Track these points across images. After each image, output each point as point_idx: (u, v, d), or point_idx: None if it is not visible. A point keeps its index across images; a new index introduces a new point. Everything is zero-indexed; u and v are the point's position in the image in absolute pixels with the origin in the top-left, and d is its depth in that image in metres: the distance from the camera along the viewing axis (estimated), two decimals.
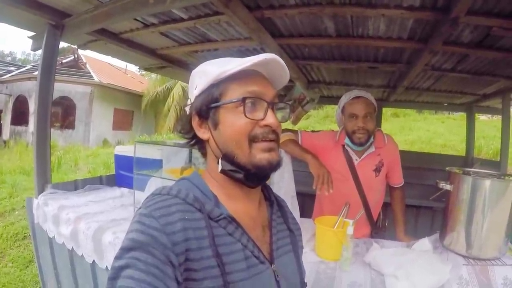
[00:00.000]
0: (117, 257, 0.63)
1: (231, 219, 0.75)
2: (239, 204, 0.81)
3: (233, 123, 0.76)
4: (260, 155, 0.76)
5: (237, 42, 2.79)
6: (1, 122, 15.65)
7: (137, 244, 0.63)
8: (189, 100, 0.84)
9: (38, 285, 2.96)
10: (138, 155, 2.28)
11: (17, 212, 5.24)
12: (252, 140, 0.76)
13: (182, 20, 2.44)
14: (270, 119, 0.76)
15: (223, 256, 0.70)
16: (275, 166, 0.78)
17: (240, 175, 0.77)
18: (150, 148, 2.35)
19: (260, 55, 0.74)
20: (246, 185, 0.80)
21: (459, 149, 9.42)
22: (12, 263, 3.95)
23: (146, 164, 2.22)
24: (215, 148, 0.80)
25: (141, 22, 2.60)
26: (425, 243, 1.77)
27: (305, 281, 0.95)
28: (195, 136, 0.84)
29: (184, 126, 0.86)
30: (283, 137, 2.10)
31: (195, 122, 0.82)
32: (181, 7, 2.19)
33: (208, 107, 0.78)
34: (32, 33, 2.77)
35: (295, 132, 2.20)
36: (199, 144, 0.86)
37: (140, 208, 0.71)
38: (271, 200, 0.92)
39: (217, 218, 0.73)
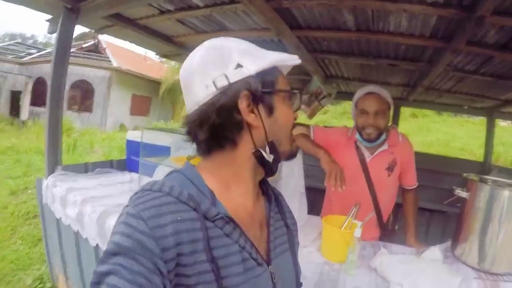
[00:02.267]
0: (101, 261, 0.58)
1: (229, 219, 0.69)
2: (238, 200, 0.75)
3: (287, 112, 0.78)
4: (294, 144, 0.82)
5: (254, 32, 2.73)
6: (20, 103, 15.97)
7: (121, 250, 0.57)
8: (222, 77, 0.70)
9: (45, 263, 3.00)
10: (149, 141, 2.26)
11: (30, 191, 5.32)
12: (291, 130, 0.81)
13: (198, 7, 2.41)
14: (296, 112, 0.83)
15: (218, 259, 0.65)
16: (296, 154, 0.87)
17: (275, 164, 0.78)
18: (160, 135, 2.33)
19: (293, 56, 0.78)
20: (270, 175, 0.81)
21: (477, 154, 9.22)
22: (22, 240, 4.02)
23: (155, 151, 2.21)
24: (261, 135, 0.73)
25: (157, 9, 2.58)
26: (435, 252, 1.68)
27: (302, 281, 0.92)
28: (227, 121, 0.71)
29: (215, 107, 0.70)
30: (295, 131, 2.05)
31: (244, 104, 0.71)
32: None
33: (265, 91, 0.73)
34: (49, 16, 2.77)
35: (307, 126, 2.15)
36: (231, 130, 0.72)
37: (127, 206, 0.64)
38: (269, 194, 0.87)
39: (213, 218, 0.67)
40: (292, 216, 0.94)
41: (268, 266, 0.75)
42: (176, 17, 2.64)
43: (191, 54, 0.77)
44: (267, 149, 0.74)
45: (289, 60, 0.77)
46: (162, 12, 2.62)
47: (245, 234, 0.71)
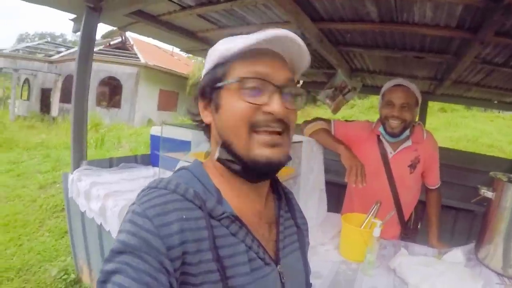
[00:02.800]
0: (107, 260, 0.58)
1: (235, 218, 0.67)
2: (244, 199, 0.73)
3: (232, 107, 0.67)
4: (259, 150, 0.66)
5: (276, 25, 2.66)
6: (51, 100, 16.49)
7: (128, 248, 0.56)
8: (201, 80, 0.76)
9: (70, 255, 3.10)
10: (170, 136, 2.28)
11: (58, 185, 5.47)
12: (252, 128, 0.66)
13: (218, 2, 2.42)
14: (274, 105, 0.66)
15: (224, 259, 0.63)
16: (276, 164, 0.68)
17: (236, 167, 0.69)
18: (181, 130, 2.34)
19: (270, 30, 0.65)
20: (244, 179, 0.71)
21: (507, 151, 8.89)
22: (49, 233, 4.14)
23: (176, 145, 2.22)
24: (215, 134, 0.72)
25: (178, 4, 2.59)
26: (457, 254, 1.61)
27: (317, 279, 0.89)
28: (200, 120, 0.77)
29: (192, 108, 0.78)
30: (315, 126, 2.03)
31: (200, 104, 0.75)
32: None
33: (211, 87, 0.71)
34: (73, 16, 2.83)
35: (327, 121, 2.10)
36: (205, 128, 0.77)
37: (133, 203, 0.64)
38: (279, 193, 0.84)
39: (219, 216, 0.66)
40: (303, 215, 0.91)
41: (277, 266, 0.73)
42: (197, 12, 2.65)
43: None
44: (220, 149, 0.70)
45: (244, 42, 0.65)
46: (183, 7, 2.63)
47: (252, 233, 0.70)
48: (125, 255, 0.56)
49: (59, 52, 18.38)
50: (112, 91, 16.02)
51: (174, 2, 2.53)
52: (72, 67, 15.30)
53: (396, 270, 1.48)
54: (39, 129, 11.79)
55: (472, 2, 1.81)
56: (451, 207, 3.50)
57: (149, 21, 2.86)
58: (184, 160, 1.82)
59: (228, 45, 0.69)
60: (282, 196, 0.84)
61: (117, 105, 15.79)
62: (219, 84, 0.69)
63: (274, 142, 0.67)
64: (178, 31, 3.17)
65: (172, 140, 2.27)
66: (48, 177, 5.96)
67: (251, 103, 0.66)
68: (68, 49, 19.37)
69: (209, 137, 0.77)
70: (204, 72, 0.74)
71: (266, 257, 0.71)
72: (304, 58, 0.72)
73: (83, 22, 2.53)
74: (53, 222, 4.45)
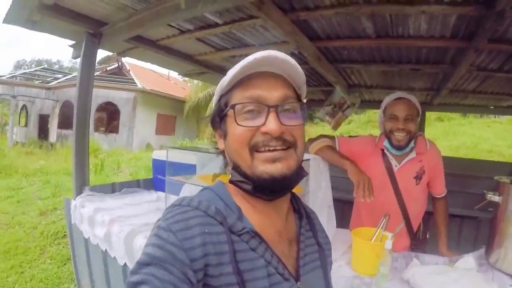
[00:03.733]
0: (133, 272, 0.60)
1: (254, 234, 0.69)
2: (264, 217, 0.75)
3: (233, 133, 0.72)
4: (261, 167, 0.69)
5: (274, 46, 2.73)
6: (49, 126, 16.54)
7: (154, 260, 0.59)
8: None
9: (73, 282, 3.07)
10: (175, 160, 2.29)
11: (58, 211, 5.48)
12: (254, 149, 0.70)
13: (217, 25, 2.44)
14: (269, 125, 0.68)
15: (244, 273, 0.65)
16: (280, 179, 0.69)
17: (248, 187, 0.71)
18: (185, 153, 2.35)
19: (252, 55, 0.68)
20: (259, 197, 0.73)
21: (506, 155, 8.93)
22: (51, 260, 4.12)
23: (181, 169, 2.22)
24: (228, 158, 0.78)
25: (177, 29, 2.63)
26: (469, 260, 1.62)
27: None
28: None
29: (213, 137, 0.84)
30: (320, 143, 2.04)
31: (216, 133, 0.81)
32: (214, 11, 2.18)
33: (219, 117, 0.77)
34: (72, 42, 2.86)
35: (332, 138, 2.12)
36: (223, 154, 0.81)
37: (159, 220, 0.67)
38: (300, 212, 0.86)
39: (239, 232, 0.68)
40: (326, 235, 0.93)
41: (297, 282, 0.74)
42: (196, 35, 2.68)
43: None
44: (232, 172, 0.75)
45: (237, 68, 0.69)
46: (182, 32, 2.67)
47: (271, 248, 0.71)
48: (151, 267, 0.58)
49: (56, 79, 18.56)
50: (109, 117, 16.14)
51: (173, 27, 2.57)
52: (69, 93, 15.56)
53: (410, 281, 1.48)
54: (37, 155, 11.80)
55: (465, 11, 1.85)
56: (456, 215, 3.49)
57: (148, 46, 2.89)
58: (190, 183, 1.82)
59: (225, 77, 0.73)
60: (303, 215, 0.86)
61: (115, 130, 15.89)
62: (223, 113, 0.75)
63: (275, 158, 0.69)
64: (176, 55, 3.21)
65: (177, 164, 2.27)
66: (48, 203, 5.96)
67: (246, 126, 0.69)
68: (65, 76, 19.56)
69: (227, 162, 0.81)
70: (213, 104, 0.81)
71: (285, 273, 0.72)
72: (296, 71, 0.74)
73: (83, 48, 2.56)
74: (55, 249, 4.43)
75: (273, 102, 0.70)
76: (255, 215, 0.73)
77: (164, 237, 0.62)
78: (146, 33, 2.73)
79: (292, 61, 0.72)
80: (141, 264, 0.60)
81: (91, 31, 2.53)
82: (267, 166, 0.69)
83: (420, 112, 1.98)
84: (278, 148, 0.69)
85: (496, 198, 1.61)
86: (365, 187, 1.72)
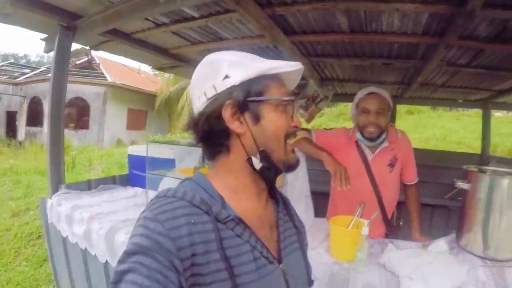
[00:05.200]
0: (120, 261, 0.62)
1: (239, 221, 0.73)
2: (247, 204, 0.79)
3: (276, 120, 0.78)
4: (291, 155, 0.81)
5: (249, 40, 2.76)
6: (17, 123, 15.95)
7: (141, 249, 0.61)
8: (211, 88, 0.77)
9: (51, 283, 3.00)
10: (151, 154, 2.28)
11: (31, 212, 5.32)
12: (285, 138, 0.79)
13: (193, 18, 2.43)
14: (296, 120, 0.81)
15: (231, 258, 0.69)
16: (298, 165, 0.83)
17: (272, 173, 0.81)
18: (163, 148, 2.34)
19: (293, 63, 0.79)
20: (268, 182, 0.83)
21: (474, 147, 9.27)
22: (27, 262, 4.02)
23: (159, 164, 2.22)
24: (251, 143, 0.77)
25: (153, 22, 2.59)
26: (441, 244, 1.73)
27: (313, 279, 0.94)
28: (215, 129, 0.77)
29: (204, 116, 0.77)
30: (297, 136, 2.08)
31: (228, 113, 0.75)
32: (192, 6, 2.18)
33: (250, 100, 0.76)
34: (44, 35, 2.78)
35: (308, 131, 2.19)
36: (220, 138, 0.78)
37: (144, 211, 0.69)
38: (277, 198, 0.91)
39: (224, 220, 0.71)
40: (299, 219, 0.98)
41: (280, 264, 0.79)
42: (172, 29, 2.66)
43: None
44: (258, 156, 0.77)
45: (284, 67, 0.78)
46: (157, 25, 2.63)
47: (255, 234, 0.76)
48: (138, 256, 0.61)
49: (23, 74, 17.89)
50: (79, 112, 15.62)
51: (149, 20, 2.53)
52: (37, 89, 15.06)
53: (386, 265, 1.56)
54: (6, 155, 11.39)
55: (436, 9, 1.92)
56: (427, 204, 3.65)
57: (122, 39, 2.83)
58: (171, 176, 1.83)
59: (268, 65, 0.78)
60: (279, 201, 0.91)
61: (85, 126, 15.47)
62: (261, 98, 0.77)
63: (293, 148, 0.83)
64: (150, 49, 3.15)
65: (155, 159, 2.26)
66: (21, 203, 5.78)
67: (288, 119, 0.80)
68: (32, 70, 18.86)
69: (208, 146, 0.82)
70: (232, 81, 0.76)
71: (269, 256, 0.77)
72: (297, 81, 0.87)
73: (57, 42, 2.49)
74: (30, 250, 4.32)
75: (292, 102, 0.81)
76: (237, 202, 0.77)
77: (151, 227, 0.64)
78: (121, 26, 2.67)
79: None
80: (128, 254, 0.62)
81: (65, 24, 2.46)
82: (293, 154, 0.82)
83: (392, 106, 2.08)
84: (296, 138, 0.84)
85: (465, 186, 1.71)
86: (341, 176, 1.79)
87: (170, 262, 0.61)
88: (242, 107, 0.76)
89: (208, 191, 0.76)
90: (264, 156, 0.77)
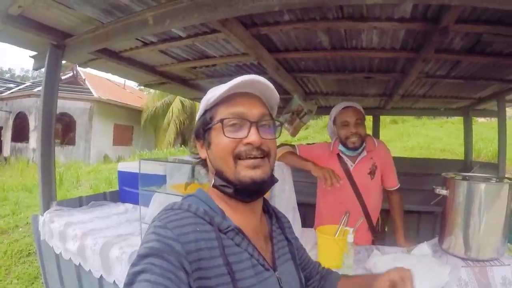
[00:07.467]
0: (133, 264, 0.68)
1: (238, 231, 0.81)
2: (243, 218, 0.87)
3: (219, 143, 0.83)
4: (244, 172, 0.82)
5: (235, 58, 2.86)
6: (1, 139, 15.67)
7: (153, 251, 0.68)
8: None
9: None
10: (144, 171, 2.31)
11: (20, 229, 5.26)
12: (237, 157, 0.82)
13: (181, 38, 2.51)
14: (251, 137, 0.82)
15: (232, 264, 0.76)
16: (259, 182, 0.83)
17: (229, 190, 0.84)
18: (153, 164, 2.38)
19: (238, 78, 0.81)
20: (238, 199, 0.86)
21: (458, 153, 9.41)
22: (18, 279, 3.98)
23: (150, 180, 2.24)
24: (210, 165, 0.89)
25: (141, 41, 2.66)
26: (424, 248, 1.82)
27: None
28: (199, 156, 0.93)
29: (193, 147, 0.94)
30: (282, 151, 2.20)
31: (197, 143, 0.92)
32: (180, 27, 2.26)
33: (203, 129, 0.88)
34: (33, 53, 2.82)
35: (293, 146, 2.31)
36: (204, 162, 0.93)
37: (153, 221, 0.77)
38: (270, 212, 1.00)
39: (225, 230, 0.80)
40: (292, 231, 1.06)
41: (275, 272, 0.86)
42: (160, 48, 2.72)
43: None
44: (215, 177, 0.86)
45: (224, 91, 0.81)
46: (145, 44, 2.69)
47: (253, 244, 0.83)
48: (150, 258, 0.67)
49: (8, 89, 17.55)
50: (65, 128, 15.34)
51: (138, 39, 2.59)
52: (23, 104, 14.83)
53: (372, 269, 1.64)
54: None
55: (413, 26, 2.04)
56: (414, 211, 3.73)
57: (110, 57, 2.88)
58: (162, 192, 1.88)
59: (211, 94, 0.86)
60: (272, 215, 0.99)
61: (71, 142, 15.25)
62: (208, 126, 0.86)
63: (255, 165, 0.83)
64: (138, 66, 3.22)
65: (147, 175, 2.29)
66: (9, 221, 5.69)
67: (233, 138, 0.82)
68: (18, 85, 18.58)
69: (207, 170, 0.93)
70: (197, 118, 0.92)
71: (265, 264, 0.84)
72: (273, 94, 0.90)
73: (47, 59, 2.54)
74: (20, 268, 4.27)
75: (254, 118, 0.84)
76: (235, 215, 0.85)
77: (162, 233, 0.71)
78: (110, 45, 2.72)
79: (271, 85, 0.87)
80: (141, 256, 0.68)
81: (55, 42, 2.51)
82: (249, 172, 0.82)
83: (365, 116, 2.20)
84: (258, 156, 0.83)
85: (444, 192, 1.80)
86: (330, 176, 1.92)
87: (180, 263, 0.68)
88: (201, 137, 0.90)
89: (210, 205, 0.85)
90: (218, 175, 0.85)
